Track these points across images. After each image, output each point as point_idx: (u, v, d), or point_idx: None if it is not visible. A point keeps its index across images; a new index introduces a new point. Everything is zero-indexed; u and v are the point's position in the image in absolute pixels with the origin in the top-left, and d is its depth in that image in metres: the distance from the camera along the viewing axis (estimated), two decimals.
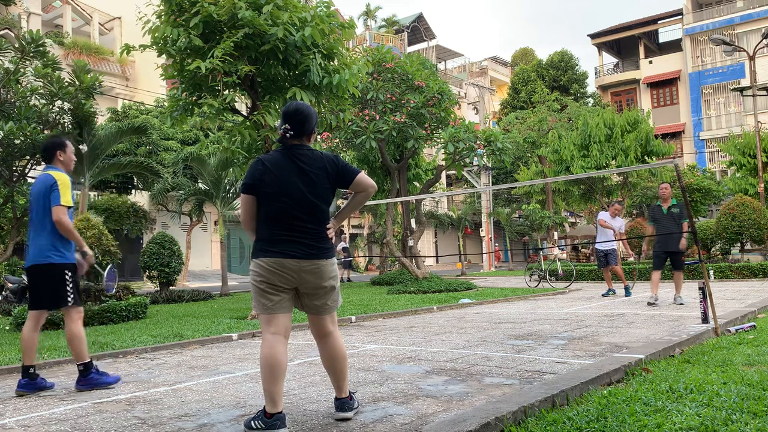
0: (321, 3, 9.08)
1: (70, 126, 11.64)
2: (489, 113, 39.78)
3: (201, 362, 5.60)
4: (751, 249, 17.91)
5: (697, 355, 4.76)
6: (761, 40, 21.36)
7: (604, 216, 11.49)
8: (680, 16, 39.70)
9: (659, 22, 41.07)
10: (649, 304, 9.30)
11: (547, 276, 15.41)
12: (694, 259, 9.04)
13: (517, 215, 34.64)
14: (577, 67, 43.83)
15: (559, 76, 43.10)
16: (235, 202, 17.46)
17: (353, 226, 37.58)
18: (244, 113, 9.74)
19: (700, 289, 6.60)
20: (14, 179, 10.44)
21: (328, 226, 3.29)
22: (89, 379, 4.47)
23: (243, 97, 10.04)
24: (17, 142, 9.92)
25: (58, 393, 4.47)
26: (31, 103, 10.35)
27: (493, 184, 31.30)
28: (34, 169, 10.56)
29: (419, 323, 8.20)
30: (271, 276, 3.16)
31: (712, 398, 3.36)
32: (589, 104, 40.62)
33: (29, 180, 10.36)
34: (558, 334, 6.47)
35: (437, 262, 42.32)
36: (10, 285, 10.20)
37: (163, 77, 9.55)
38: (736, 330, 6.11)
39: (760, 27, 35.75)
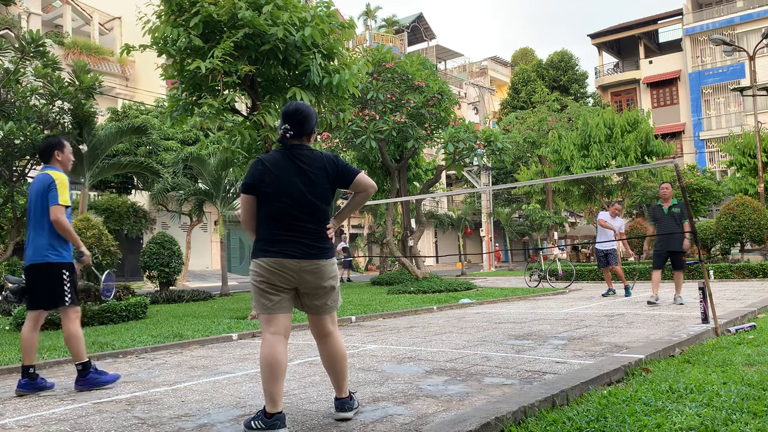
0: (321, 3, 9.08)
1: (70, 126, 11.64)
2: (489, 113, 39.79)
3: (201, 362, 5.60)
4: (751, 249, 17.91)
5: (697, 355, 4.76)
6: (761, 40, 21.36)
7: (604, 216, 11.49)
8: (680, 16, 39.70)
9: (659, 22, 41.08)
10: (650, 303, 9.30)
11: (547, 276, 15.41)
12: (694, 259, 9.04)
13: (517, 215, 34.64)
14: (577, 67, 43.83)
15: (559, 76, 43.10)
16: (235, 202, 17.46)
17: (353, 226, 37.58)
18: (244, 113, 9.74)
19: (700, 289, 6.60)
20: (14, 179, 10.44)
21: (328, 226, 3.30)
22: (88, 378, 4.47)
23: (243, 97, 10.04)
24: (17, 142, 9.91)
25: (58, 393, 4.47)
26: (31, 103, 10.35)
27: (493, 184, 31.30)
28: (34, 169, 10.55)
29: (419, 323, 8.20)
30: (271, 276, 3.16)
31: (712, 398, 3.36)
32: (589, 104, 40.62)
33: (29, 180, 10.36)
34: (558, 334, 6.47)
35: (437, 262, 42.31)
36: (10, 285, 10.17)
37: (163, 77, 9.55)
38: (736, 330, 6.11)
39: (760, 27, 35.75)
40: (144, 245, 15.69)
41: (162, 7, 8.86)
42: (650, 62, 40.66)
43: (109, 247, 9.77)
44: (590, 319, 7.79)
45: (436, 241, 43.27)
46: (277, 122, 6.42)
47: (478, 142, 16.27)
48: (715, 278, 15.03)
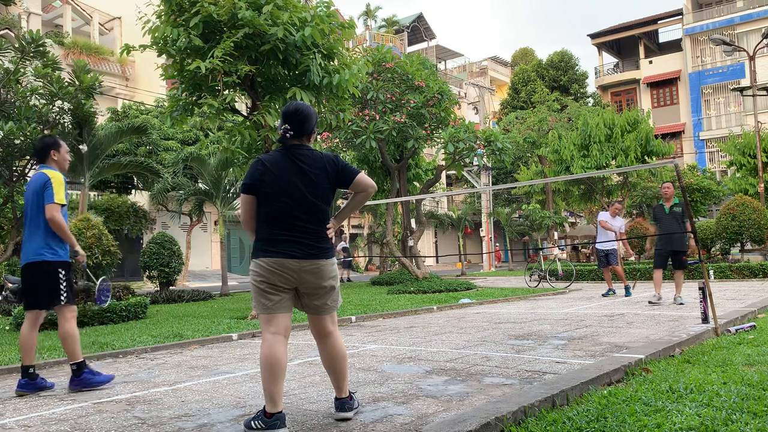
0: (321, 3, 9.08)
1: (70, 126, 11.64)
2: (489, 113, 39.79)
3: (201, 362, 5.60)
4: (751, 249, 17.91)
5: (697, 355, 4.76)
6: (761, 40, 21.35)
7: (604, 216, 11.48)
8: (680, 16, 39.71)
9: (659, 22, 41.08)
10: (651, 303, 9.31)
11: (547, 276, 15.41)
12: (694, 259, 9.03)
13: (517, 215, 34.64)
14: (577, 67, 43.82)
15: (559, 76, 43.10)
16: (235, 202, 17.46)
17: (353, 226, 37.57)
18: (244, 113, 9.73)
19: (700, 289, 6.60)
20: (14, 179, 10.44)
21: (328, 226, 3.30)
22: (82, 378, 4.47)
23: (243, 97, 10.03)
24: (17, 142, 9.91)
25: (58, 393, 4.47)
26: (31, 103, 10.35)
27: (493, 184, 31.30)
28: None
29: (419, 323, 8.20)
30: (271, 276, 3.16)
31: (712, 398, 3.36)
32: (589, 104, 40.62)
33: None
34: (558, 334, 6.47)
35: (437, 262, 42.32)
36: (10, 285, 10.17)
37: (163, 77, 9.55)
38: (736, 330, 6.11)
39: (760, 27, 35.75)
40: (144, 245, 15.69)
41: (162, 7, 8.86)
42: (650, 62, 40.66)
43: (109, 247, 9.76)
44: (590, 319, 7.79)
45: (436, 241, 43.27)
46: (277, 122, 6.42)
47: (478, 142, 16.27)
48: (715, 278, 15.02)
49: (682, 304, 9.06)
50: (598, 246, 11.80)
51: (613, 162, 20.71)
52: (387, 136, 15.45)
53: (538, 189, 29.89)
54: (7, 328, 8.78)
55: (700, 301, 6.62)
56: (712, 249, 18.09)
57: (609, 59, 44.96)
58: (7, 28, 21.01)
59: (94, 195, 22.62)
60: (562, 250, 24.27)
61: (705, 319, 6.56)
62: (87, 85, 10.94)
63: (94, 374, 4.54)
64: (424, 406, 3.57)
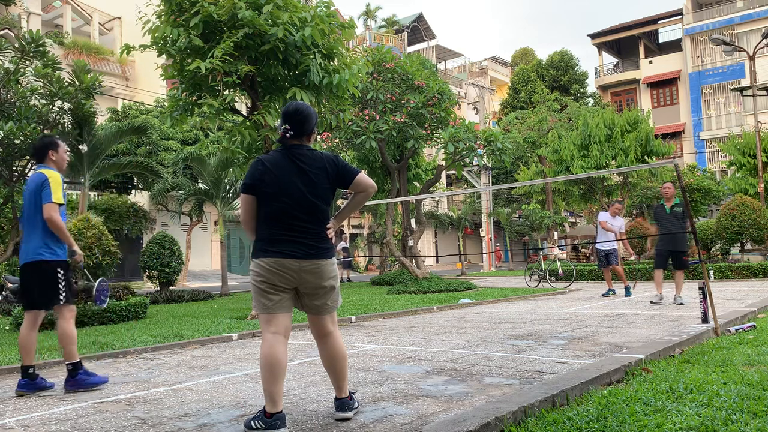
0: (321, 3, 9.08)
1: (70, 126, 11.64)
2: (489, 113, 39.79)
3: (201, 362, 5.60)
4: (751, 249, 17.91)
5: (697, 355, 4.76)
6: (761, 40, 21.35)
7: (604, 217, 11.48)
8: (680, 16, 39.70)
9: (659, 22, 41.08)
10: (652, 303, 9.31)
11: (547, 276, 15.41)
12: (694, 259, 9.05)
13: (517, 215, 34.63)
14: (577, 67, 43.82)
15: (559, 76, 43.10)
16: (235, 202, 17.46)
17: (353, 226, 37.57)
18: (244, 113, 9.73)
19: (700, 289, 6.60)
20: (14, 179, 10.44)
21: (328, 226, 3.30)
22: (77, 379, 4.46)
23: (243, 97, 10.03)
24: (17, 142, 9.91)
25: (58, 393, 4.47)
26: (31, 103, 10.35)
27: (493, 184, 31.30)
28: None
29: (419, 323, 8.20)
30: (272, 276, 3.16)
31: (712, 398, 3.36)
32: (589, 104, 40.62)
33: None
34: (558, 334, 6.47)
35: (437, 262, 42.31)
36: (10, 285, 10.17)
37: (163, 77, 9.55)
38: (736, 330, 6.11)
39: (760, 27, 35.75)
40: (144, 245, 15.69)
41: (162, 7, 8.86)
42: (650, 62, 40.66)
43: (109, 247, 9.77)
44: (590, 319, 7.79)
45: (436, 241, 43.27)
46: (277, 122, 6.42)
47: (478, 142, 16.27)
48: (715, 278, 15.02)
49: (682, 304, 9.06)
50: (598, 246, 11.80)
51: (613, 162, 20.71)
52: (387, 136, 15.45)
53: (538, 189, 29.88)
54: (7, 328, 8.78)
55: (700, 301, 6.62)
56: (712, 249, 18.09)
57: (609, 59, 44.98)
58: (7, 28, 21.01)
59: (94, 195, 22.61)
60: (562, 250, 24.26)
61: (705, 319, 6.56)
62: (87, 85, 10.94)
63: (89, 375, 4.53)
64: (424, 406, 3.57)
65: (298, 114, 3.28)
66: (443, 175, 35.51)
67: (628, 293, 11.31)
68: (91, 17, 29.78)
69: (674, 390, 3.59)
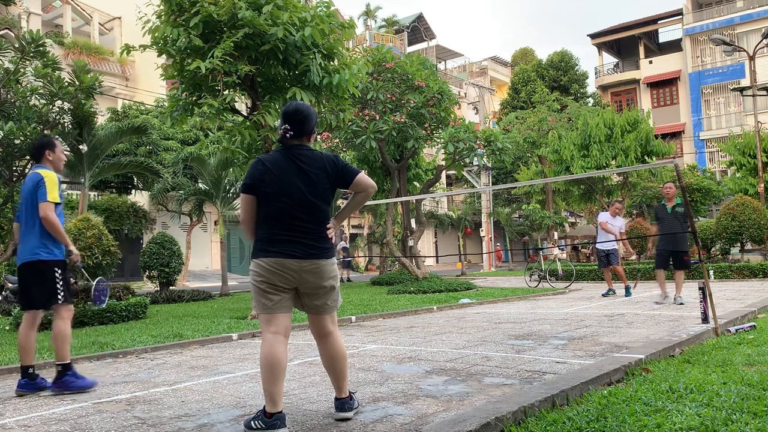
0: (321, 3, 9.08)
1: (70, 126, 11.64)
2: (489, 113, 39.80)
3: (201, 362, 5.60)
4: (751, 249, 17.91)
5: (697, 355, 4.76)
6: (761, 40, 21.35)
7: (604, 217, 11.48)
8: (680, 16, 39.70)
9: (659, 22, 41.08)
10: (657, 303, 9.32)
11: (547, 276, 15.41)
12: (695, 259, 9.06)
13: (517, 215, 34.63)
14: (577, 67, 43.82)
15: (559, 76, 43.09)
16: (235, 202, 17.46)
17: (353, 226, 37.57)
18: (244, 113, 9.73)
19: (700, 289, 6.60)
20: (14, 179, 10.44)
21: (328, 226, 3.30)
22: (64, 380, 4.42)
23: (243, 97, 10.03)
24: (17, 142, 9.92)
25: (57, 393, 4.46)
26: (31, 103, 10.35)
27: (493, 184, 31.30)
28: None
29: (419, 323, 8.20)
30: (272, 276, 3.16)
31: (712, 398, 3.36)
32: (589, 104, 40.62)
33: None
34: (558, 334, 6.47)
35: (437, 262, 42.31)
36: (10, 285, 10.19)
37: (163, 77, 9.55)
38: (736, 330, 6.11)
39: (760, 27, 35.75)
40: (144, 245, 15.69)
41: (162, 7, 8.86)
42: (650, 62, 40.65)
43: (109, 247, 9.76)
44: (590, 319, 7.79)
45: (436, 241, 43.27)
46: (277, 122, 6.42)
47: (478, 142, 16.27)
48: (715, 278, 15.02)
49: (682, 304, 9.06)
50: (598, 246, 11.80)
51: (613, 162, 20.71)
52: (387, 136, 15.45)
53: (538, 189, 29.88)
54: (7, 328, 8.78)
55: (700, 301, 6.62)
56: (712, 249, 18.09)
57: (609, 59, 44.97)
58: (7, 28, 21.01)
59: (94, 195, 22.61)
60: (562, 250, 24.26)
61: (705, 319, 6.56)
62: (87, 85, 10.95)
63: (78, 378, 4.47)
64: (424, 406, 3.57)
65: (298, 114, 3.28)
66: (443, 175, 35.51)
67: (628, 293, 11.32)
68: (91, 17, 29.78)
69: (674, 390, 3.59)
